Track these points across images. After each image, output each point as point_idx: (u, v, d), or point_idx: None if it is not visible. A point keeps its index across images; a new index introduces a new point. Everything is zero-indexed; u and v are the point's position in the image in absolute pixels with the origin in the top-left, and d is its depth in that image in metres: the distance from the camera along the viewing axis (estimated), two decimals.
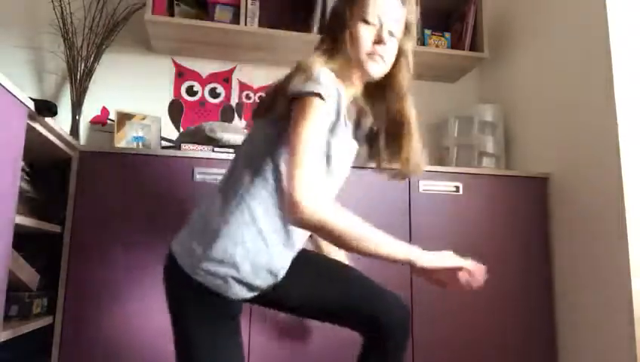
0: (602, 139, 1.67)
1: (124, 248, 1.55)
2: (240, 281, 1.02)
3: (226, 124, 1.81)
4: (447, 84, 2.41)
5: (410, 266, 1.00)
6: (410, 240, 1.76)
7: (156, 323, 1.53)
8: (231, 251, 0.99)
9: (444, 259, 1.05)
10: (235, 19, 1.99)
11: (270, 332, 1.61)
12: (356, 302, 1.14)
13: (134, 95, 2.10)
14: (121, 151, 1.63)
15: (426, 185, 1.81)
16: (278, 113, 1.01)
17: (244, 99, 2.22)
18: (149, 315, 1.53)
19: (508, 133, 2.17)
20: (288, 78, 1.01)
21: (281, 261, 1.07)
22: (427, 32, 2.19)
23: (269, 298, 1.13)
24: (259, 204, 1.01)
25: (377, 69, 1.10)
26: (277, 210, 1.02)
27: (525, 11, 2.15)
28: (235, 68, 2.23)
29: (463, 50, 2.18)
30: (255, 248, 1.01)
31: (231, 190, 1.04)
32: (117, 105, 2.02)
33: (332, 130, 1.04)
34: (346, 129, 1.09)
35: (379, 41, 1.07)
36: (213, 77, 2.21)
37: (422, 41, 2.18)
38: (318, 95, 0.95)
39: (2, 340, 1.19)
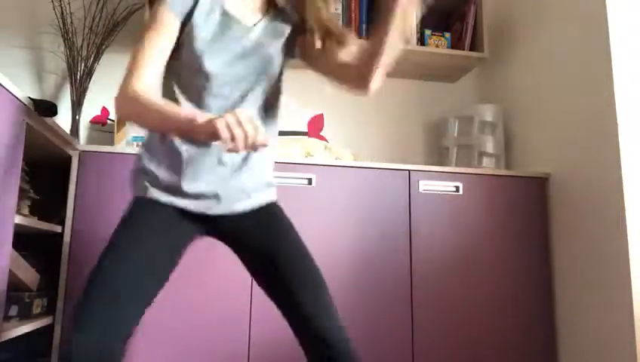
0: (602, 139, 1.67)
1: None
2: (157, 185, 1.05)
3: None
4: (447, 84, 2.41)
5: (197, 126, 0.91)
6: (410, 240, 1.77)
7: (156, 322, 1.53)
8: (146, 162, 1.07)
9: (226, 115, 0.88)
10: None
11: (270, 332, 1.61)
12: (310, 303, 1.00)
13: None
14: (121, 151, 1.63)
15: (426, 185, 1.81)
16: None
17: None
18: (149, 315, 1.52)
19: (508, 133, 2.17)
20: None
21: (188, 169, 1.05)
22: (427, 32, 2.19)
23: (228, 230, 1.09)
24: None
25: None
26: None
27: (525, 11, 2.15)
28: None
29: (463, 50, 2.18)
30: (160, 154, 1.07)
31: None
32: None
33: (192, 23, 1.04)
34: (224, 21, 1.07)
35: None
36: None
37: (422, 41, 2.18)
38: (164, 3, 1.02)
39: (2, 340, 1.19)
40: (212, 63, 1.04)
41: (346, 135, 2.24)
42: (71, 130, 1.89)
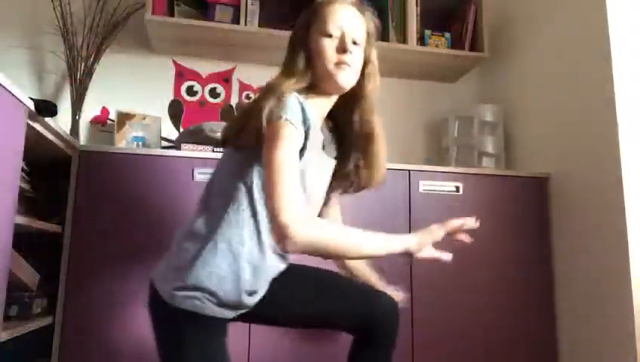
0: (602, 139, 1.67)
1: (124, 248, 1.55)
2: (217, 303, 1.02)
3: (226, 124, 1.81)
4: (447, 84, 2.41)
5: (411, 254, 1.05)
6: None
7: None
8: (205, 279, 1.00)
9: (432, 233, 1.09)
10: (235, 19, 1.99)
11: (270, 334, 1.61)
12: (347, 307, 1.18)
13: (134, 95, 2.10)
14: (121, 151, 1.63)
15: (426, 185, 1.81)
16: (250, 137, 1.01)
17: (244, 99, 2.22)
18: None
19: (508, 133, 2.17)
20: (258, 102, 1.01)
21: (256, 281, 1.06)
22: (427, 32, 2.19)
23: (257, 314, 1.14)
24: (234, 232, 1.02)
25: (346, 78, 1.10)
26: (253, 234, 1.03)
27: (525, 11, 2.15)
28: (235, 68, 2.23)
29: (463, 50, 2.18)
30: (228, 273, 1.02)
31: (206, 219, 1.05)
32: (117, 105, 2.02)
33: (302, 154, 1.03)
34: (317, 150, 1.10)
35: (343, 49, 1.08)
36: (213, 77, 2.21)
37: (422, 41, 2.18)
38: (288, 120, 0.97)
39: (2, 340, 1.19)
40: (311, 192, 1.09)
41: None
42: (71, 130, 1.89)
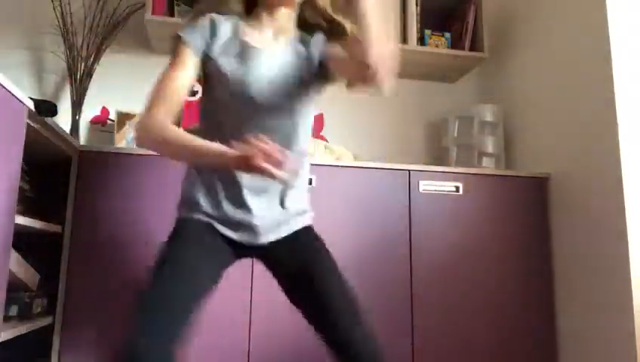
0: (602, 139, 1.67)
1: (124, 248, 1.55)
2: (193, 206, 1.11)
3: None
4: (447, 84, 2.41)
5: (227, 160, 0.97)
6: (410, 240, 1.77)
7: None
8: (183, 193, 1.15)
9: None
10: None
11: (270, 330, 1.61)
12: (342, 317, 1.07)
13: (134, 95, 2.10)
14: (121, 151, 1.63)
15: (426, 185, 1.81)
16: None
17: None
18: None
19: (508, 133, 2.17)
20: None
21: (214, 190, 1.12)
22: (427, 32, 2.19)
23: (265, 253, 1.16)
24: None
25: None
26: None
27: (525, 11, 2.15)
28: None
29: (463, 50, 2.18)
30: (194, 186, 1.13)
31: None
32: (117, 105, 2.02)
33: (213, 55, 1.11)
34: (241, 51, 1.11)
35: None
36: None
37: (422, 41, 2.18)
38: (180, 38, 1.09)
39: (2, 340, 1.19)
40: (242, 94, 1.08)
41: (346, 135, 2.24)
42: (71, 130, 1.89)
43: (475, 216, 1.83)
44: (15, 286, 1.38)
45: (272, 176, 0.88)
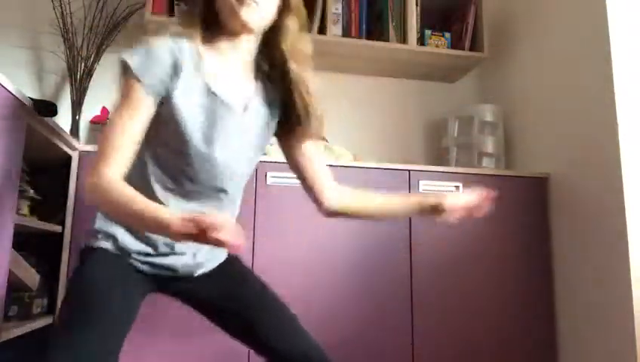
0: (602, 139, 1.67)
1: None
2: (108, 237, 0.99)
3: None
4: (447, 84, 2.41)
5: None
6: (410, 240, 1.77)
7: (157, 322, 1.53)
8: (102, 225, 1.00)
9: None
10: None
11: None
12: (277, 327, 1.04)
13: None
14: None
15: (426, 185, 1.81)
16: None
17: None
18: (148, 314, 1.52)
19: (508, 133, 2.17)
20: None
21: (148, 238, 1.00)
22: (427, 32, 2.19)
23: (184, 290, 1.08)
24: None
25: (252, 15, 0.96)
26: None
27: (525, 11, 2.15)
28: None
29: (463, 50, 2.18)
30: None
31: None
32: None
33: (171, 98, 0.95)
34: (212, 98, 0.98)
35: None
36: None
37: (422, 41, 2.18)
38: (133, 73, 0.92)
39: (2, 340, 1.19)
40: (197, 153, 0.97)
41: (346, 135, 2.24)
42: (71, 130, 1.89)
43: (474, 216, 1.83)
44: (15, 286, 1.38)
45: (222, 245, 0.76)
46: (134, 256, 1.00)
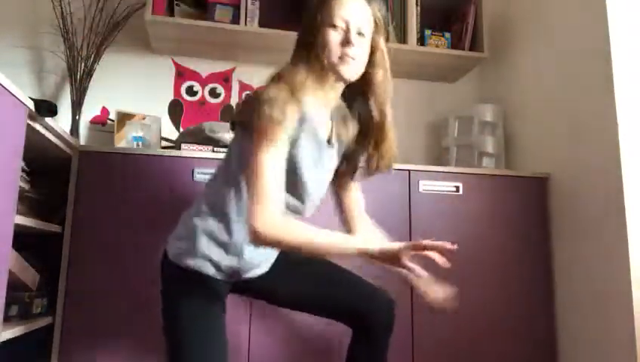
0: (602, 139, 1.67)
1: (124, 248, 1.55)
2: (212, 265, 1.11)
3: (226, 124, 1.81)
4: (447, 84, 2.41)
5: (371, 257, 1.05)
6: (410, 240, 1.76)
7: (156, 320, 1.53)
8: (204, 247, 1.11)
9: (398, 250, 1.02)
10: (235, 20, 2.00)
11: (270, 330, 1.61)
12: (346, 302, 1.26)
13: (134, 95, 2.10)
14: (121, 151, 1.63)
15: (426, 185, 1.81)
16: (249, 126, 1.06)
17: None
18: (149, 314, 1.52)
19: (508, 133, 2.17)
20: (259, 94, 1.06)
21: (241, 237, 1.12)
22: (427, 32, 2.19)
23: (257, 289, 1.25)
24: (231, 211, 1.12)
25: (349, 70, 1.11)
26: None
27: (525, 11, 2.15)
28: (234, 68, 2.23)
29: (463, 50, 2.18)
30: (215, 229, 1.12)
31: (211, 199, 1.15)
32: (117, 105, 2.02)
33: (297, 143, 1.08)
34: (316, 140, 1.13)
35: (347, 42, 1.09)
36: (213, 77, 2.21)
37: (422, 41, 2.18)
38: (278, 120, 1.01)
39: (2, 340, 1.19)
40: (303, 187, 1.13)
41: None
42: (71, 130, 1.89)
43: (475, 216, 1.83)
44: (15, 286, 1.38)
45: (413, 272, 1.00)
46: (224, 269, 1.13)
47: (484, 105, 2.13)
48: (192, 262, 1.10)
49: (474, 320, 1.76)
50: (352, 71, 1.12)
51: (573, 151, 1.81)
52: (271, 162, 1.00)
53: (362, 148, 1.23)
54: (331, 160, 1.21)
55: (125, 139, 1.90)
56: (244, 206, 1.07)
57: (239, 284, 1.21)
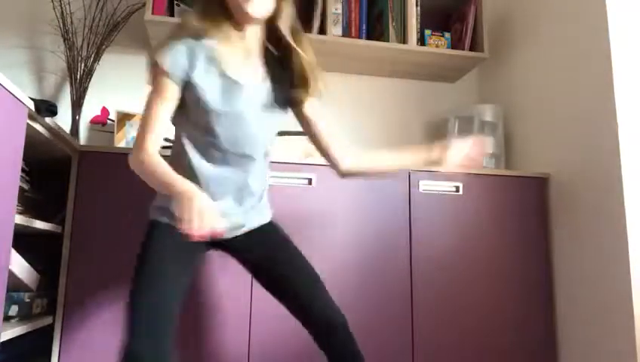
0: (602, 139, 1.67)
1: (124, 248, 1.55)
2: (165, 212, 1.17)
3: None
4: (447, 84, 2.41)
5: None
6: (410, 240, 1.77)
7: None
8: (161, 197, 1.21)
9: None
10: None
11: (271, 327, 1.61)
12: (304, 293, 1.23)
13: (134, 95, 2.10)
14: (121, 151, 1.63)
15: (426, 185, 1.81)
16: None
17: None
18: None
19: (508, 133, 2.17)
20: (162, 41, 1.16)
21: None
22: (427, 32, 2.19)
23: (234, 248, 1.28)
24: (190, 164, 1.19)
25: (256, 8, 1.14)
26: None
27: (525, 11, 2.15)
28: None
29: (463, 50, 2.18)
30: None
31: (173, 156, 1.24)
32: (117, 105, 2.02)
33: (198, 83, 1.14)
34: (224, 78, 1.16)
35: None
36: None
37: (422, 41, 2.18)
38: (160, 65, 1.11)
39: (2, 340, 1.19)
40: (219, 125, 1.16)
41: (346, 135, 2.24)
42: (71, 130, 1.89)
43: (475, 216, 1.83)
44: (15, 286, 1.38)
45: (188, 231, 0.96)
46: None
47: (484, 105, 2.13)
48: (165, 218, 1.17)
49: (474, 320, 1.76)
50: (259, 8, 1.15)
51: (573, 151, 1.81)
52: (153, 110, 1.12)
53: (289, 80, 1.24)
54: (254, 99, 1.20)
55: (125, 139, 1.90)
56: (201, 155, 1.18)
57: (217, 243, 1.24)
